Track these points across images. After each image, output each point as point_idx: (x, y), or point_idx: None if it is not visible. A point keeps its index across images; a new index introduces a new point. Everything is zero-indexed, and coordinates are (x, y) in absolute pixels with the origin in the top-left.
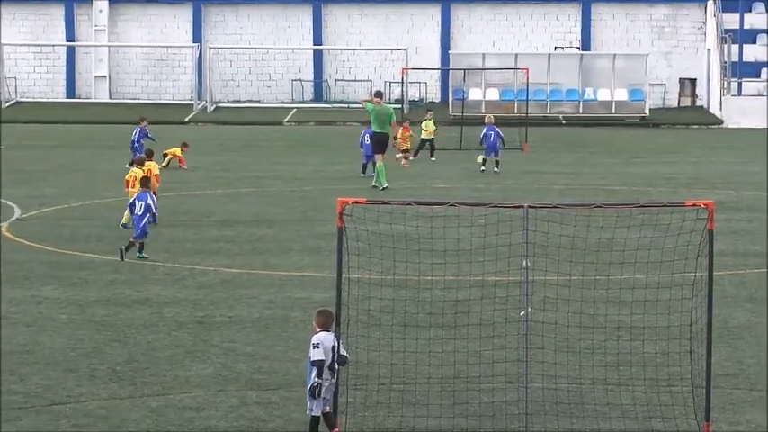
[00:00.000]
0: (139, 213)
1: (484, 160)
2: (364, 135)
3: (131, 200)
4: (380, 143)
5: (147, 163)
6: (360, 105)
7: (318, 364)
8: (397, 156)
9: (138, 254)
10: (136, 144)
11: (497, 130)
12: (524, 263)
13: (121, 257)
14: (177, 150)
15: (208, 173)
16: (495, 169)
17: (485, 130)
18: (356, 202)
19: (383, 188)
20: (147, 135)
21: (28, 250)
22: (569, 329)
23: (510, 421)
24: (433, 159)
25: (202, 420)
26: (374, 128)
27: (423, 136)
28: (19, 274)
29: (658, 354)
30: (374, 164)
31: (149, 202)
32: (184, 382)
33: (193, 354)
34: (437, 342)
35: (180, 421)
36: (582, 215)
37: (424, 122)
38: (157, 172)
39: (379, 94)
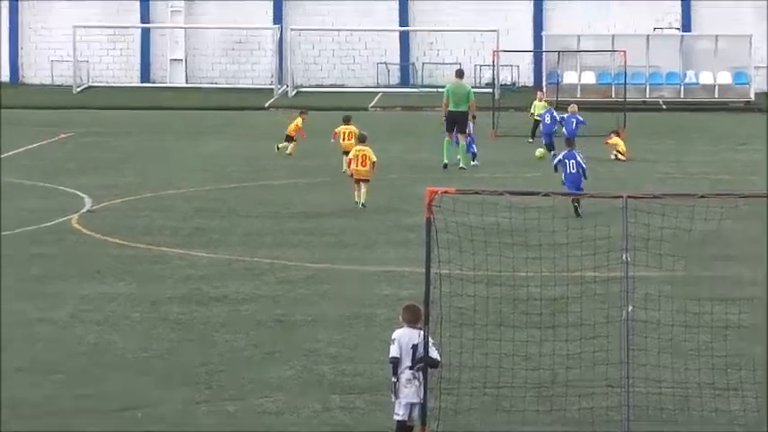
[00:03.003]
0: (573, 171)
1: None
2: (545, 115)
3: (558, 159)
4: (458, 122)
5: (359, 147)
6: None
7: (392, 362)
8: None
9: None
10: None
11: (579, 118)
12: (624, 257)
13: (577, 213)
14: (299, 121)
15: (287, 161)
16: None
17: (567, 116)
18: (445, 192)
19: (444, 165)
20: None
21: (99, 243)
22: (673, 329)
23: (610, 428)
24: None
25: (283, 426)
26: (451, 106)
27: (536, 117)
28: (89, 269)
29: None
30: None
31: (579, 159)
32: (263, 385)
33: (273, 355)
34: (533, 343)
35: (259, 427)
36: (684, 206)
37: (533, 103)
38: (375, 158)
39: (459, 73)
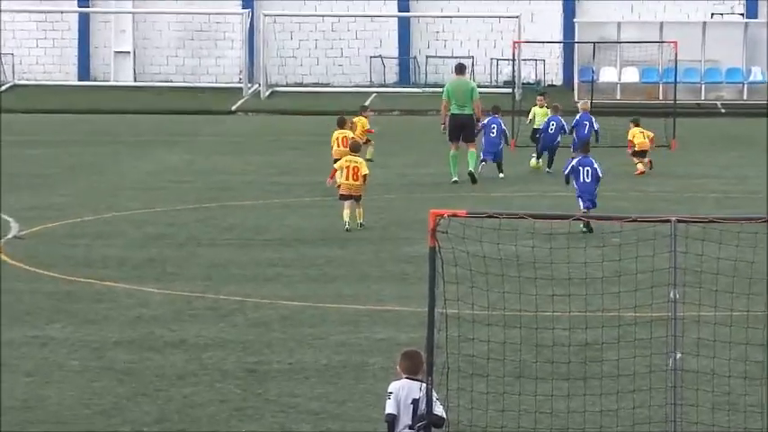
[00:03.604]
0: (588, 180)
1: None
2: (548, 124)
3: (570, 167)
4: (464, 127)
5: (349, 157)
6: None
7: (387, 420)
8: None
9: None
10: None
11: (593, 119)
12: (672, 294)
13: (589, 229)
14: (364, 122)
15: (260, 177)
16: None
17: (578, 117)
18: (454, 215)
19: (470, 173)
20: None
21: (29, 277)
22: (731, 381)
23: None
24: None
25: None
26: (454, 109)
27: (535, 126)
28: (18, 309)
29: None
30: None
31: (596, 166)
32: None
33: (243, 411)
34: (559, 398)
35: None
36: (747, 232)
37: (532, 110)
38: (367, 171)
39: (459, 69)
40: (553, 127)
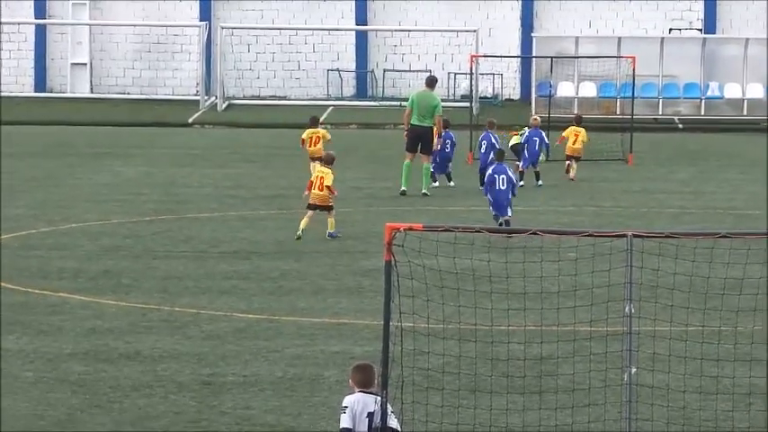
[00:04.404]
0: (503, 188)
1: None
2: (481, 142)
3: (486, 177)
4: (422, 139)
5: (320, 168)
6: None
7: None
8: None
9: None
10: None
11: (543, 135)
12: (627, 309)
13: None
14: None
15: (217, 189)
16: (540, 182)
17: (527, 134)
18: (410, 229)
19: (402, 192)
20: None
21: None
22: (686, 396)
23: None
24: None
25: None
26: (414, 119)
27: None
28: None
29: None
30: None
31: (510, 174)
32: None
33: (197, 423)
34: (514, 412)
35: None
36: (703, 247)
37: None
38: (329, 183)
39: (430, 82)
40: (484, 146)
